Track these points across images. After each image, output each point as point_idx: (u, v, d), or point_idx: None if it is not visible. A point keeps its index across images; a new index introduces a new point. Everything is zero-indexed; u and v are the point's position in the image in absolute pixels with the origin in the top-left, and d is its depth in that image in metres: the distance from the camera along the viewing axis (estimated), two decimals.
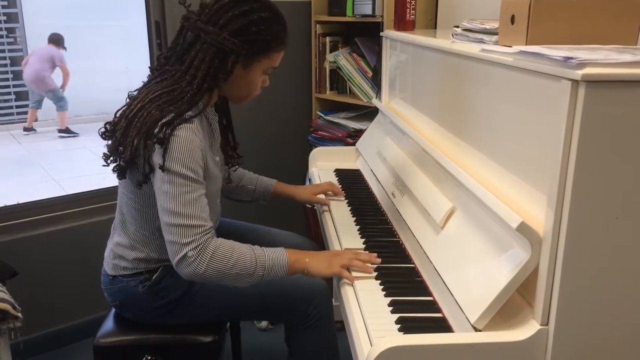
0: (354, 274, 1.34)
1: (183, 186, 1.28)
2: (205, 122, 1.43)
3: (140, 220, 1.43)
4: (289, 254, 1.37)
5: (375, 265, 1.38)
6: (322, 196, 1.85)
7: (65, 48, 7.07)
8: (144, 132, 1.29)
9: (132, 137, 1.30)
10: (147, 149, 1.28)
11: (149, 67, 1.45)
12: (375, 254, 1.41)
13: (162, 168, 1.27)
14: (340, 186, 1.96)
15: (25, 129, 7.40)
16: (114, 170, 1.38)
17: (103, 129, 1.43)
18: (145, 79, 1.46)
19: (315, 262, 1.38)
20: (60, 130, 7.25)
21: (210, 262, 1.28)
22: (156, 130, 1.28)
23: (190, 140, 1.29)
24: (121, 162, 1.35)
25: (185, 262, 1.28)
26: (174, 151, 1.27)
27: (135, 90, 1.44)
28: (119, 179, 1.40)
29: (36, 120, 7.50)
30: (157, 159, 1.28)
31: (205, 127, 1.42)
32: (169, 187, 1.28)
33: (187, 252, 1.27)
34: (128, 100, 1.42)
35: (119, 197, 1.48)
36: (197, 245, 1.28)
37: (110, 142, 1.40)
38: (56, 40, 6.98)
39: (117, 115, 1.40)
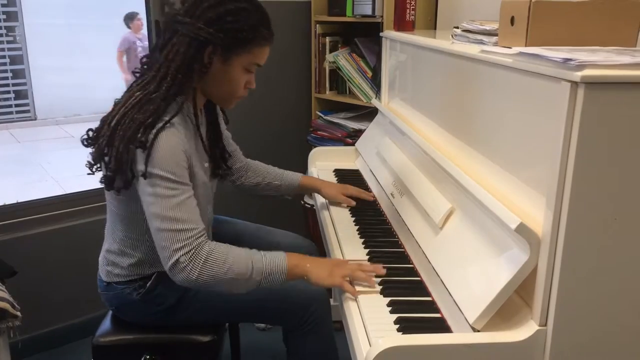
0: (358, 288, 1.28)
1: (168, 189, 1.24)
2: (191, 124, 1.38)
3: (127, 224, 1.40)
4: (288, 259, 1.32)
5: (380, 279, 1.32)
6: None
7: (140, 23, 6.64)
8: (127, 137, 1.25)
9: (117, 146, 1.26)
10: (129, 153, 1.24)
11: (132, 71, 1.41)
12: (381, 265, 1.34)
13: (145, 174, 1.24)
14: None
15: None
16: (101, 182, 1.34)
17: (85, 136, 1.38)
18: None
19: (316, 269, 1.33)
20: None
21: (204, 267, 1.24)
22: (139, 134, 1.24)
23: (173, 143, 1.26)
24: (108, 173, 1.31)
25: (177, 268, 1.24)
26: (156, 155, 1.24)
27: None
28: (107, 190, 1.35)
29: None
30: (140, 164, 1.25)
31: (191, 130, 1.38)
32: (154, 191, 1.24)
33: (179, 258, 1.24)
34: (113, 106, 1.38)
35: (107, 203, 1.44)
36: (189, 250, 1.24)
37: (93, 149, 1.36)
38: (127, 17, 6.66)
39: (101, 120, 1.36)
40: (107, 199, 1.43)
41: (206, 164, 1.47)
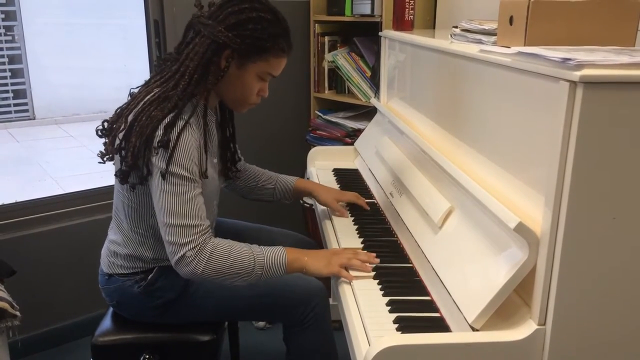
0: (353, 273, 1.34)
1: (180, 186, 1.28)
2: (202, 121, 1.40)
3: (134, 219, 1.42)
4: (287, 253, 1.37)
5: (374, 265, 1.37)
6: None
7: None
8: (146, 134, 1.28)
9: (134, 142, 1.30)
10: (149, 151, 1.28)
11: (154, 66, 1.47)
12: (374, 254, 1.40)
13: (164, 172, 1.27)
14: (338, 186, 1.96)
15: None
16: (116, 175, 1.37)
17: (100, 127, 1.43)
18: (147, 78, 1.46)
19: (313, 261, 1.38)
20: None
21: (209, 261, 1.29)
22: (158, 132, 1.28)
23: (191, 142, 1.30)
24: (123, 167, 1.33)
25: (183, 262, 1.29)
26: (177, 155, 1.27)
27: (136, 88, 1.44)
28: (122, 184, 1.38)
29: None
30: (158, 162, 1.28)
31: (202, 128, 1.40)
32: (167, 188, 1.28)
33: (185, 252, 1.28)
34: (129, 97, 1.42)
35: (115, 195, 1.47)
36: (195, 246, 1.28)
37: (106, 140, 1.40)
38: None
39: (116, 113, 1.41)
40: (116, 189, 1.46)
41: (215, 160, 1.50)
